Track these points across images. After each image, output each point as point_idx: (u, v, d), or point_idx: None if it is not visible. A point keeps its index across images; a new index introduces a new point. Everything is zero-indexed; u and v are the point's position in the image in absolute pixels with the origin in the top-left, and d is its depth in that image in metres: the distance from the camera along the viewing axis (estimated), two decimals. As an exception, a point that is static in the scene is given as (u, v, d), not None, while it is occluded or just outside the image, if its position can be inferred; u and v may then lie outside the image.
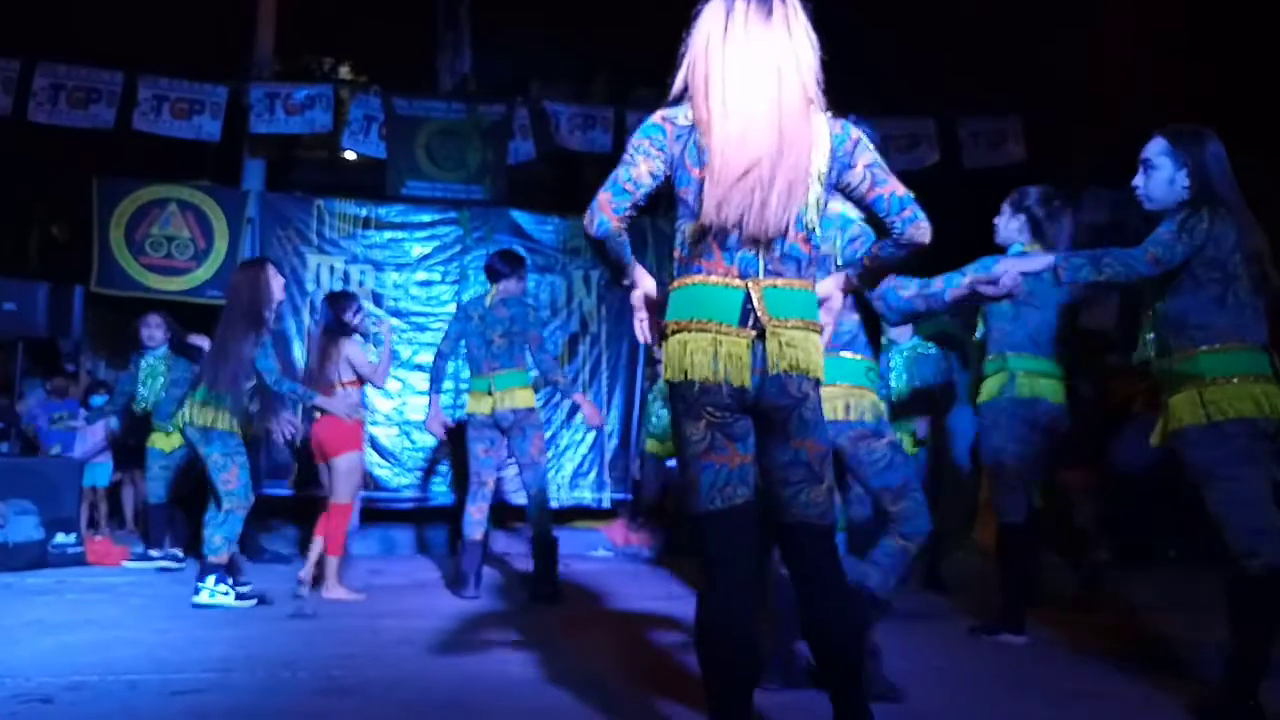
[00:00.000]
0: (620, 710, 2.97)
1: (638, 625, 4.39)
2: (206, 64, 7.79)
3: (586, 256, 7.87)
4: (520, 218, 7.82)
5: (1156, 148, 2.99)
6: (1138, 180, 3.04)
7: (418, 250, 7.62)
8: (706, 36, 2.14)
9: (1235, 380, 2.80)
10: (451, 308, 7.54)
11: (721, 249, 2.12)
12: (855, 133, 2.21)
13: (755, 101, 2.08)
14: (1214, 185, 2.89)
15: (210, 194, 7.53)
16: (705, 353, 2.09)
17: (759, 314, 2.09)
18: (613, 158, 8.32)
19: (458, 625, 4.28)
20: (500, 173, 7.74)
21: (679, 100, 2.19)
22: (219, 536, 4.67)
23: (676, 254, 2.21)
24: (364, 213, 7.59)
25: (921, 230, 2.17)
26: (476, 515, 5.08)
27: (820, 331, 2.18)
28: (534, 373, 5.29)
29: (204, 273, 7.40)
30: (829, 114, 2.20)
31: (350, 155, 9.24)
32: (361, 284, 7.50)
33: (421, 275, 7.62)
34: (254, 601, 4.68)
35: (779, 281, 2.12)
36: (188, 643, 3.83)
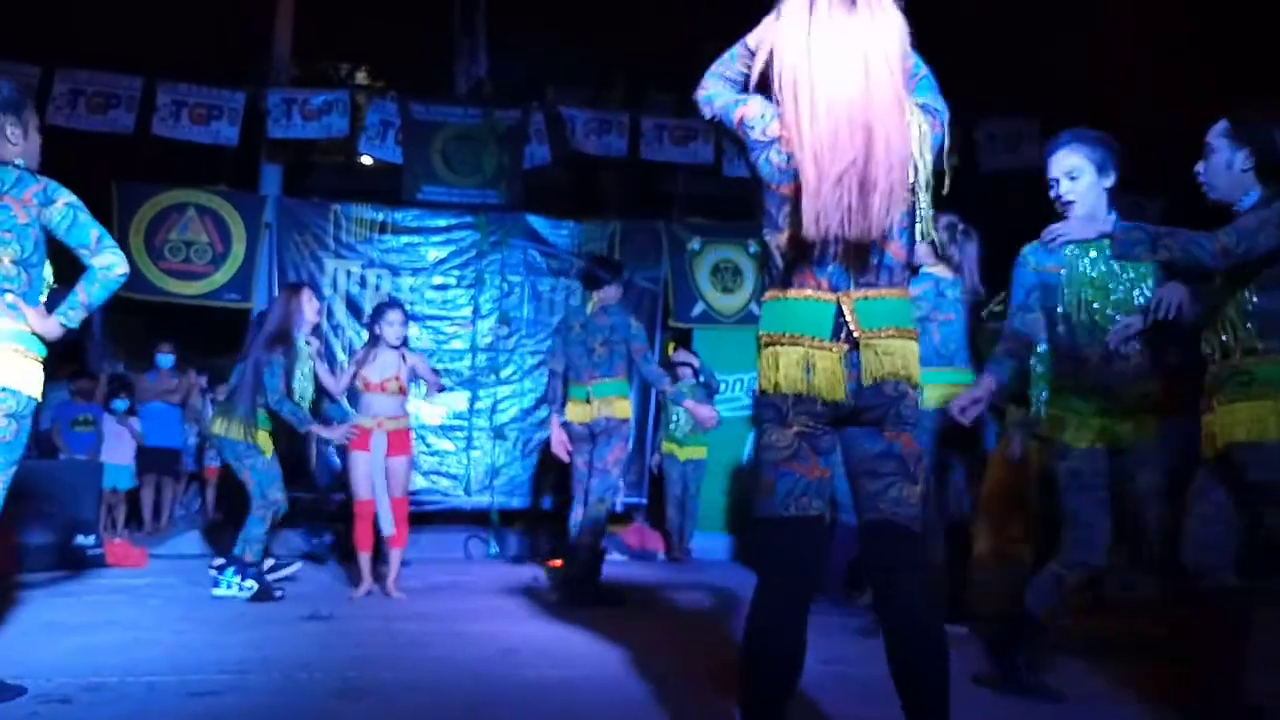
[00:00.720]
0: (641, 715, 2.97)
1: (657, 628, 4.38)
2: (224, 70, 7.85)
3: (602, 261, 7.87)
4: (536, 222, 7.84)
5: (1216, 130, 2.74)
6: (1199, 166, 2.79)
7: (434, 255, 7.65)
8: (788, 31, 2.02)
9: None
10: (467, 311, 7.58)
11: (815, 261, 2.07)
12: (927, 125, 2.08)
13: (844, 99, 1.97)
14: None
15: (228, 199, 7.58)
16: (798, 366, 2.05)
17: (852, 327, 2.05)
18: (629, 162, 8.43)
19: (475, 629, 4.28)
20: (516, 177, 7.76)
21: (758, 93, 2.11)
22: (241, 537, 4.92)
23: (770, 263, 2.15)
24: (380, 217, 7.63)
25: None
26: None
27: (916, 338, 2.12)
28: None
29: (221, 277, 7.45)
30: (919, 106, 2.08)
31: (367, 160, 9.31)
32: (378, 288, 7.53)
33: (438, 280, 7.65)
34: (277, 594, 4.87)
35: (870, 293, 2.07)
36: (205, 644, 3.85)
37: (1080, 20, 8.69)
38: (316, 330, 5.45)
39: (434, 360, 7.48)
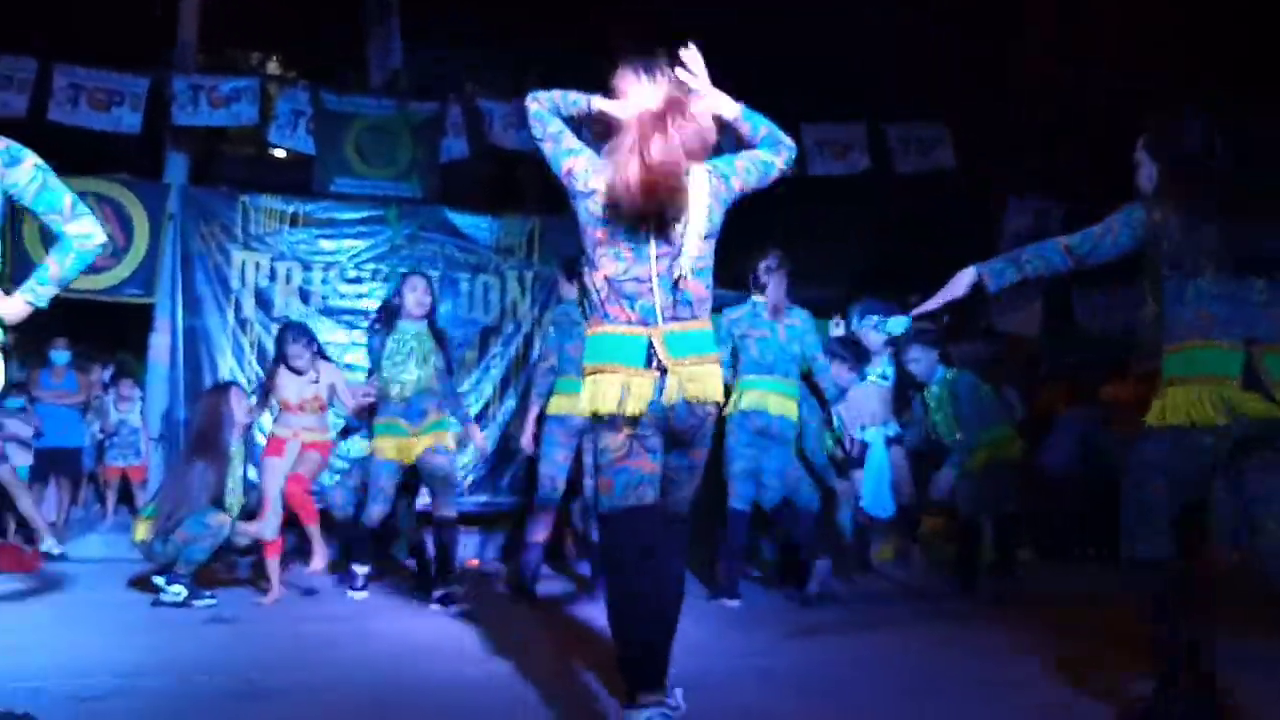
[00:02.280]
0: (550, 708, 2.93)
1: (575, 625, 4.35)
2: (126, 54, 7.53)
3: (520, 256, 7.81)
4: (453, 216, 7.72)
5: (1139, 143, 2.86)
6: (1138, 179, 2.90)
7: (346, 247, 7.48)
8: (625, 111, 2.54)
9: (1185, 382, 2.62)
10: (379, 304, 7.41)
11: (626, 297, 2.52)
12: (718, 183, 2.58)
13: (657, 172, 2.41)
14: (1179, 173, 2.72)
15: (130, 188, 7.26)
16: (617, 390, 2.50)
17: (660, 357, 2.51)
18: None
19: (389, 628, 4.19)
20: (432, 170, 7.62)
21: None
22: (182, 557, 4.66)
23: (588, 298, 2.63)
24: (291, 209, 7.41)
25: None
26: (545, 519, 5.11)
27: (718, 362, 2.60)
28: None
29: (124, 270, 7.14)
30: (707, 165, 2.55)
31: (278, 151, 9.04)
32: (288, 282, 7.33)
33: (351, 273, 7.48)
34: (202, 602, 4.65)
35: (675, 326, 2.53)
36: (98, 649, 3.69)
37: (1001, 28, 8.94)
38: (248, 429, 5.19)
39: (345, 355, 7.31)
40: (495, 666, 3.48)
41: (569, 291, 5.25)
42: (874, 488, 5.20)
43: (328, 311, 7.37)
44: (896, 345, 5.69)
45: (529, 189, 9.42)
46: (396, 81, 8.08)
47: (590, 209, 2.55)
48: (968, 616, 4.55)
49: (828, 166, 8.17)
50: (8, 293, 2.70)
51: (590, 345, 2.61)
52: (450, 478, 4.92)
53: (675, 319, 2.53)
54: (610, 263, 2.53)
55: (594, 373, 2.57)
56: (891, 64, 8.55)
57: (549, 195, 9.45)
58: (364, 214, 7.52)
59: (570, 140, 2.62)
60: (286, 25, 10.29)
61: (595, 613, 4.48)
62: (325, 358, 5.41)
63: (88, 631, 4.04)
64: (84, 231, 2.66)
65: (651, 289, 2.51)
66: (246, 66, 10.73)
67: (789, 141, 2.71)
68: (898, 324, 4.55)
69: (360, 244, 7.50)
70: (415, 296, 4.94)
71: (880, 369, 5.45)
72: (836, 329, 5.91)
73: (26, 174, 2.62)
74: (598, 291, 2.56)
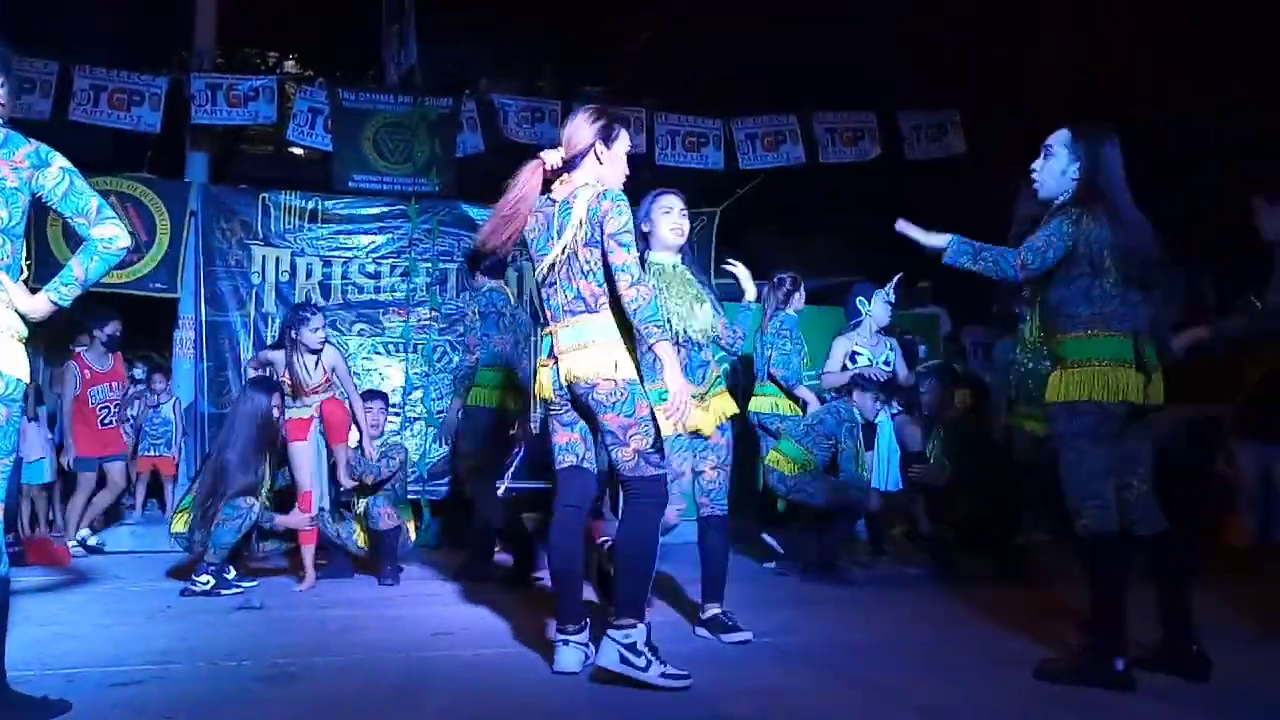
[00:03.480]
0: (570, 688, 3.00)
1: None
2: (145, 54, 7.64)
3: (536, 249, 7.87)
4: (471, 210, 7.79)
5: (1059, 138, 3.16)
6: (1036, 164, 3.21)
7: (365, 242, 7.56)
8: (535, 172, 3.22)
9: (1094, 364, 3.02)
10: (398, 297, 7.51)
11: (547, 304, 3.18)
12: (609, 204, 3.02)
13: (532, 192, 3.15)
14: (1100, 182, 3.04)
15: (151, 186, 7.38)
16: (537, 379, 3.26)
17: (556, 348, 3.12)
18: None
19: (408, 613, 4.26)
20: (448, 165, 7.69)
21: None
22: (211, 542, 4.76)
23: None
24: (310, 205, 7.51)
25: (632, 290, 3.00)
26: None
27: (609, 346, 3.05)
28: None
29: (146, 265, 7.26)
30: (595, 194, 3.06)
31: (297, 150, 9.14)
32: (309, 277, 7.42)
33: (370, 267, 7.57)
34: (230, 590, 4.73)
35: (570, 321, 3.10)
36: (128, 637, 3.78)
37: (1017, 15, 8.91)
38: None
39: (367, 349, 7.41)
40: (511, 648, 3.54)
41: (486, 281, 5.33)
42: (884, 466, 5.25)
43: (348, 305, 7.46)
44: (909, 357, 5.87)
45: (544, 183, 9.48)
46: (412, 78, 8.14)
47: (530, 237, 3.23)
48: (980, 594, 4.58)
49: (839, 154, 8.18)
50: (33, 291, 2.74)
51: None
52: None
53: (571, 314, 3.09)
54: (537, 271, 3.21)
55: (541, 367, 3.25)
56: (908, 70, 8.53)
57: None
58: (382, 209, 7.61)
59: None
60: (303, 25, 10.39)
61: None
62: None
63: (119, 620, 4.13)
64: (108, 235, 2.68)
65: (556, 289, 3.12)
66: (264, 66, 10.84)
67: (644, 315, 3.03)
68: (886, 294, 5.31)
69: (379, 239, 7.58)
70: (671, 220, 3.79)
71: (883, 356, 5.49)
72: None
73: (54, 176, 2.64)
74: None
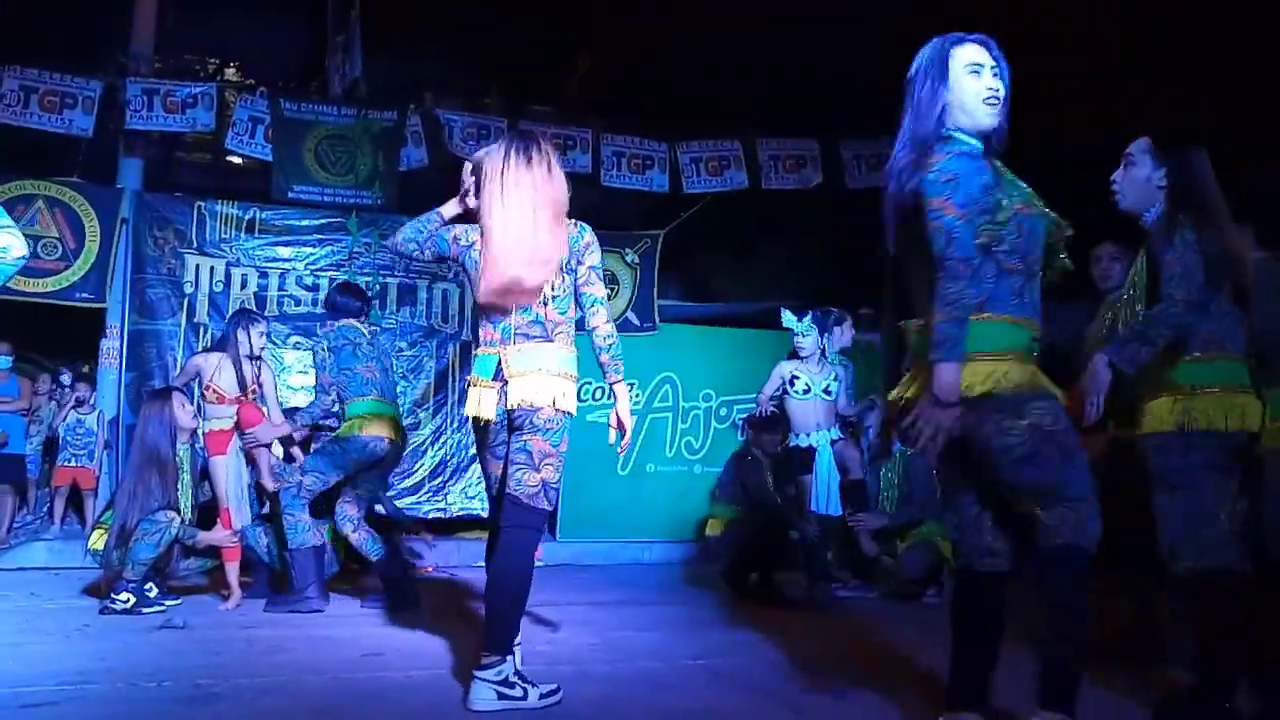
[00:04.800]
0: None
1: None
2: (79, 57, 7.45)
3: (478, 266, 7.84)
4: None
5: (1139, 145, 2.95)
6: (1116, 175, 2.99)
7: (304, 254, 7.45)
8: (489, 183, 3.07)
9: (1215, 390, 2.78)
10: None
11: (493, 323, 3.12)
12: (589, 237, 3.16)
13: (517, 228, 3.01)
14: (1193, 188, 2.83)
15: (82, 191, 7.18)
16: (475, 399, 3.14)
17: (505, 370, 3.07)
18: (506, 168, 8.33)
19: (336, 633, 4.17)
20: (391, 179, 7.62)
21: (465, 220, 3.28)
22: (130, 557, 4.61)
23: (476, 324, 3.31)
24: (248, 215, 7.38)
25: (602, 322, 3.14)
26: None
27: (562, 375, 3.07)
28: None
29: (73, 274, 7.05)
30: (573, 223, 3.15)
31: (235, 158, 8.97)
32: (244, 287, 7.28)
33: (308, 280, 7.45)
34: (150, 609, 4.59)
35: (523, 345, 3.08)
36: (43, 656, 3.63)
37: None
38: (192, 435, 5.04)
39: (304, 364, 7.28)
40: (445, 669, 3.49)
41: (339, 313, 5.06)
42: (823, 491, 5.31)
43: (284, 318, 7.33)
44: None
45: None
46: (356, 90, 8.07)
47: (474, 257, 3.16)
48: (918, 617, 4.64)
49: (782, 181, 8.29)
50: None
51: (474, 362, 3.21)
52: None
53: (525, 338, 3.09)
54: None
55: (470, 385, 3.21)
56: (850, 98, 8.67)
57: (508, 206, 9.50)
58: (322, 221, 7.51)
59: (440, 233, 3.28)
60: (245, 32, 10.23)
61: (541, 613, 4.51)
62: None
63: (33, 639, 3.97)
64: (3, 245, 2.71)
65: (509, 312, 3.09)
66: (203, 73, 10.65)
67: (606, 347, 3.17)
68: (789, 320, 5.35)
69: (318, 251, 7.48)
70: (983, 82, 2.69)
71: (823, 384, 5.55)
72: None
73: None
74: (478, 317, 3.24)
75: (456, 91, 9.63)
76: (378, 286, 7.55)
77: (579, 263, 3.12)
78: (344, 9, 8.81)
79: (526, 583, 3.04)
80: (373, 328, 5.17)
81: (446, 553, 6.95)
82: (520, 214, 3.01)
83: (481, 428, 3.18)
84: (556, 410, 3.05)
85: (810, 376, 5.54)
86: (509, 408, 3.05)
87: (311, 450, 5.13)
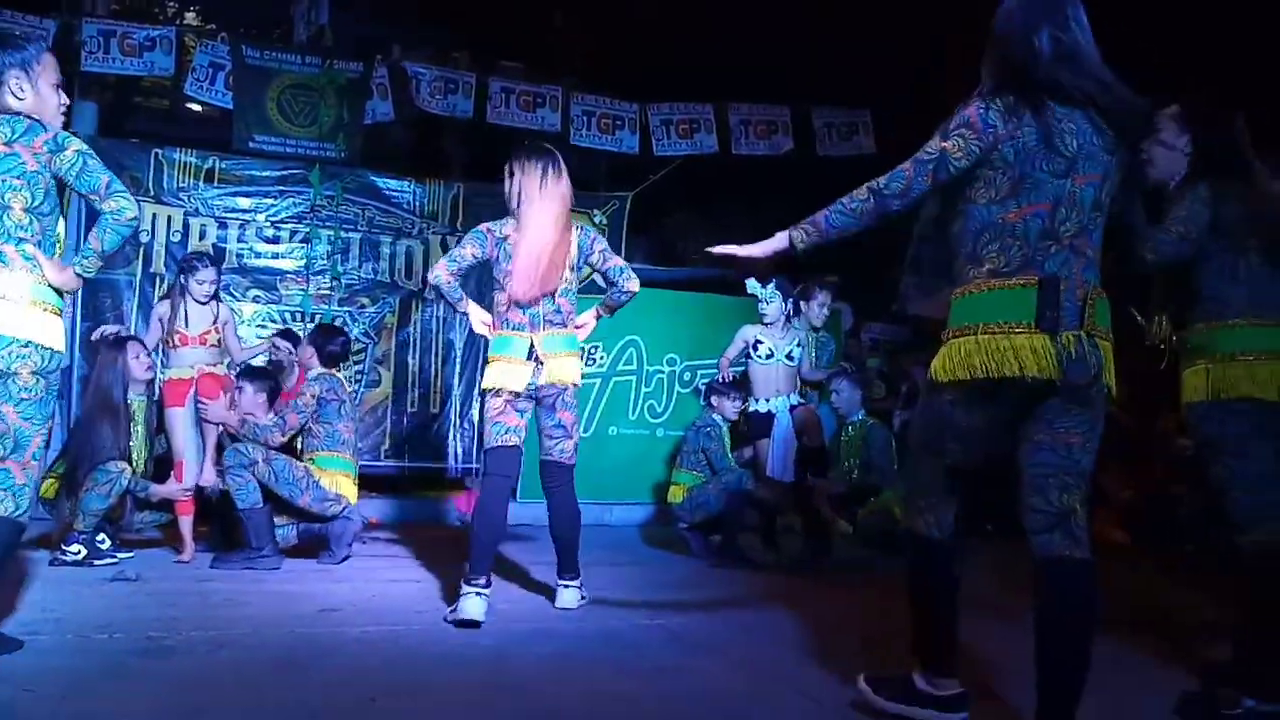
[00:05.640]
0: (458, 666, 2.96)
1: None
2: (33, -5, 7.20)
3: (444, 221, 7.75)
4: (376, 179, 7.60)
5: (1166, 112, 2.87)
6: (1144, 144, 2.78)
7: (264, 205, 7.30)
8: (524, 183, 3.71)
9: (1251, 357, 2.72)
10: (299, 266, 7.28)
11: (520, 309, 3.71)
12: (593, 234, 3.88)
13: (544, 230, 3.66)
14: (1219, 151, 2.80)
15: (33, 134, 6.97)
16: (505, 373, 3.69)
17: (538, 353, 3.70)
18: (474, 124, 8.28)
19: (293, 588, 4.15)
20: (355, 132, 7.48)
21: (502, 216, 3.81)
22: (80, 508, 4.55)
23: (494, 309, 3.79)
24: (207, 164, 7.22)
25: (633, 282, 3.87)
26: None
27: (578, 357, 3.82)
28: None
29: (23, 219, 6.86)
30: (577, 226, 3.83)
31: (194, 105, 8.75)
32: (202, 238, 7.14)
33: (269, 231, 7.31)
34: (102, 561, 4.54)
35: (550, 331, 3.73)
36: (-10, 606, 3.57)
37: (930, 15, 9.07)
38: (151, 383, 5.00)
39: (262, 317, 7.17)
40: (400, 625, 3.49)
41: (318, 367, 5.03)
42: (780, 456, 5.35)
43: (243, 270, 7.21)
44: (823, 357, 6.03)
45: (454, 155, 9.31)
46: (322, 39, 7.89)
47: (507, 249, 3.70)
48: (873, 581, 4.72)
49: (752, 146, 8.26)
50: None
51: (494, 343, 3.75)
52: None
53: (550, 324, 3.73)
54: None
55: (493, 361, 3.73)
56: (824, 66, 8.63)
57: (473, 162, 9.39)
58: (283, 172, 7.37)
59: (472, 245, 3.74)
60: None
61: (502, 573, 4.52)
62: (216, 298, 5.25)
63: (-21, 589, 3.90)
64: (117, 208, 2.89)
65: (537, 302, 3.71)
66: (162, 16, 10.35)
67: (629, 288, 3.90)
68: (754, 286, 5.36)
69: (279, 203, 7.35)
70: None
71: (786, 350, 5.58)
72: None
73: (69, 159, 2.87)
74: (501, 305, 3.73)
75: (425, 44, 9.46)
76: (341, 241, 7.43)
77: (590, 254, 3.82)
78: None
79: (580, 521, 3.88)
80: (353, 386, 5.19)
81: (405, 510, 6.94)
82: (553, 224, 3.66)
83: (502, 393, 3.68)
84: (578, 385, 3.81)
85: (774, 341, 5.56)
86: (543, 382, 3.69)
87: (287, 456, 4.92)
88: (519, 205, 3.71)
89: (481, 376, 3.93)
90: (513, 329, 3.71)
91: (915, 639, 2.50)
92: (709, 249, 2.58)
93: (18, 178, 2.82)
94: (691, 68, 8.75)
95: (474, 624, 3.43)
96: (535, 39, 10.21)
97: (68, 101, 3.08)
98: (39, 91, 2.93)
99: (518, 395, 3.69)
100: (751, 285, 5.62)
